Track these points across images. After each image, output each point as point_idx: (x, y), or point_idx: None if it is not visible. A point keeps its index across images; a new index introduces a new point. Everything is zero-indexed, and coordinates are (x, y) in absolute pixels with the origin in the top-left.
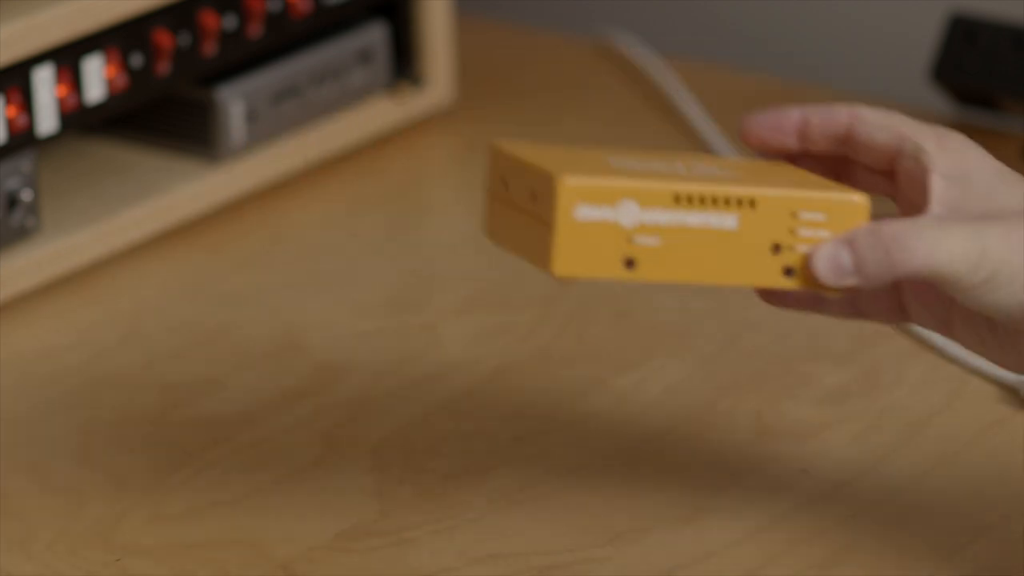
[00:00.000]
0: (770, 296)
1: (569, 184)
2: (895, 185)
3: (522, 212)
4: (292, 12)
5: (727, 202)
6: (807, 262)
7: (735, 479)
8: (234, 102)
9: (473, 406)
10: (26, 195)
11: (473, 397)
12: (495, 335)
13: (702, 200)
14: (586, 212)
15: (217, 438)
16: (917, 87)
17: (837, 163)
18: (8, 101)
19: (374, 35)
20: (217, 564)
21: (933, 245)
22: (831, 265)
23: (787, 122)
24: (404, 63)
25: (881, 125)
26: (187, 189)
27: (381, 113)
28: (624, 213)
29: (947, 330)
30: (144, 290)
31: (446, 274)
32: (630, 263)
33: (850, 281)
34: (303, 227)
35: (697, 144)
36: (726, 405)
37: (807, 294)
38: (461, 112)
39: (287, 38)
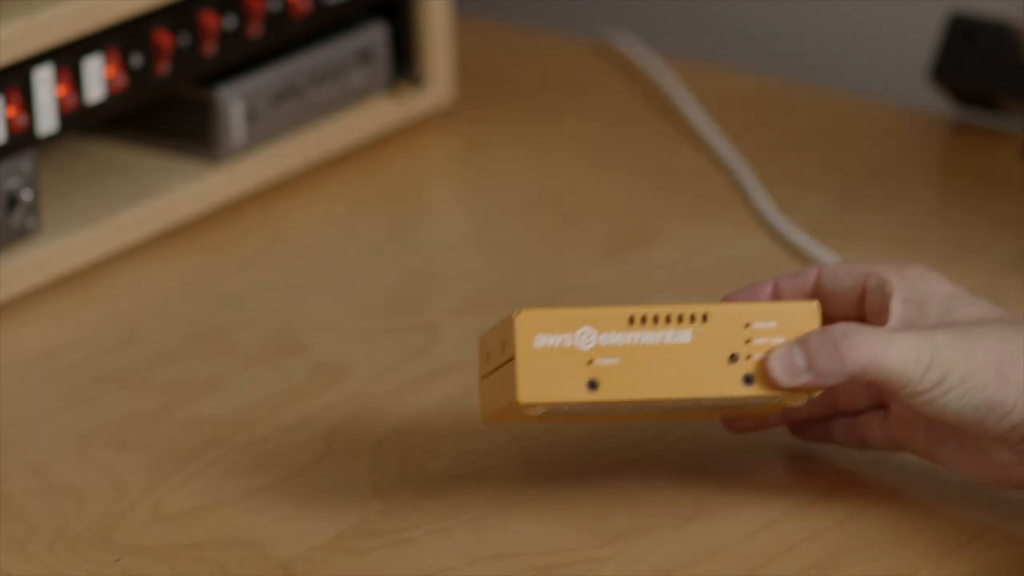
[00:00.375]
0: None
1: (525, 316)
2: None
3: (498, 370)
4: (292, 12)
5: (680, 319)
6: (764, 366)
7: (735, 479)
8: (234, 102)
9: (473, 406)
10: (26, 195)
11: (473, 397)
12: None
13: (656, 319)
14: (545, 340)
15: (217, 438)
16: (917, 87)
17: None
18: (8, 101)
19: (374, 35)
20: (217, 564)
21: (884, 345)
22: (785, 364)
23: (761, 292)
24: (404, 63)
25: (846, 271)
26: (187, 189)
27: (381, 113)
28: (582, 338)
29: (931, 455)
30: (144, 290)
31: (446, 274)
32: (592, 384)
33: (804, 380)
34: (303, 227)
35: (697, 144)
36: None
37: (822, 427)
38: (461, 112)
39: (287, 38)
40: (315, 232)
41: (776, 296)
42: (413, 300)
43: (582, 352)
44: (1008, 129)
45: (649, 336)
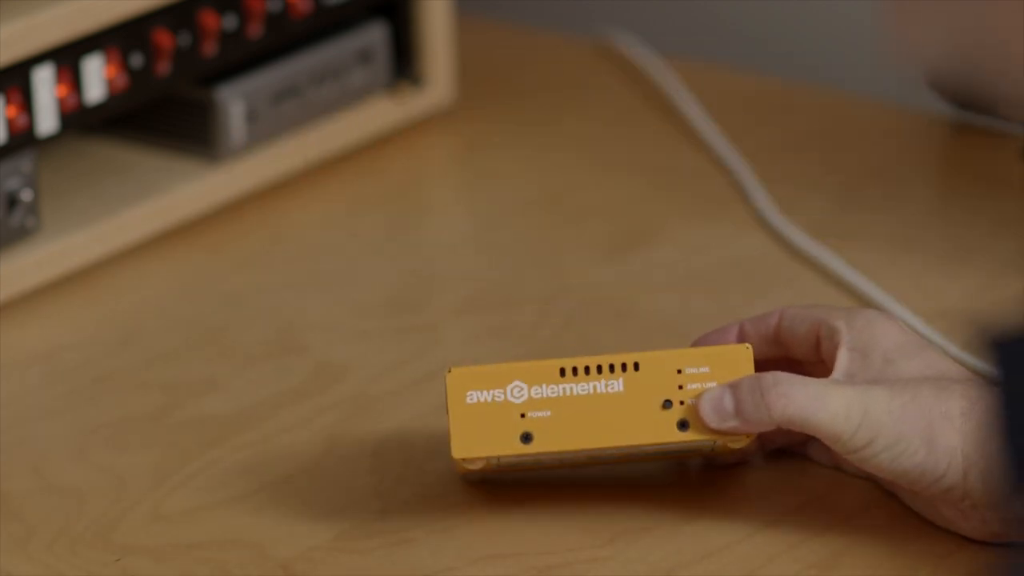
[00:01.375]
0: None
1: (456, 373)
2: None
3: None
4: (292, 12)
5: (611, 368)
6: (696, 410)
7: (735, 479)
8: (234, 102)
9: None
10: (26, 195)
11: None
12: (495, 335)
13: (587, 370)
14: (476, 396)
15: (217, 438)
16: (917, 87)
17: (791, 367)
18: (8, 101)
19: (374, 35)
20: (217, 564)
21: (814, 398)
22: (714, 407)
23: (728, 334)
24: (404, 63)
25: (802, 317)
26: (187, 189)
27: (381, 113)
28: (514, 392)
29: (895, 490)
30: (144, 290)
31: (446, 274)
32: (526, 437)
33: (731, 424)
34: (303, 227)
35: (697, 144)
36: None
37: (799, 450)
38: (461, 112)
39: (287, 38)
40: (315, 232)
41: (742, 338)
42: (413, 300)
43: (515, 405)
44: (1008, 129)
45: (581, 387)
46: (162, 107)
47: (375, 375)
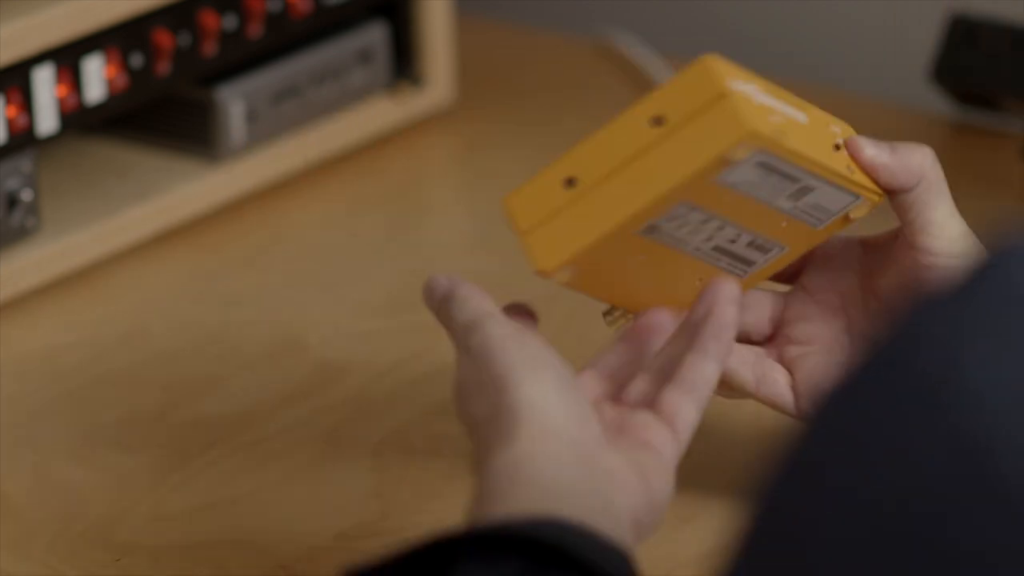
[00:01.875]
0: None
1: (716, 59)
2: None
3: (632, 161)
4: (292, 12)
5: (794, 102)
6: (853, 146)
7: (736, 479)
8: (234, 102)
9: None
10: (26, 195)
11: None
12: None
13: (782, 96)
14: (737, 85)
15: (217, 438)
16: (917, 87)
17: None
18: (8, 101)
19: (374, 35)
20: (217, 564)
21: (947, 194)
22: (874, 143)
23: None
24: (404, 63)
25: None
26: (187, 189)
27: (381, 113)
28: (755, 93)
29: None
30: (144, 290)
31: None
32: (777, 136)
33: (884, 159)
34: (303, 227)
35: None
36: (726, 405)
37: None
38: (461, 112)
39: (287, 38)
40: (315, 232)
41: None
42: (413, 300)
43: (761, 104)
44: (1008, 129)
45: (783, 107)
46: (162, 107)
47: (375, 375)
